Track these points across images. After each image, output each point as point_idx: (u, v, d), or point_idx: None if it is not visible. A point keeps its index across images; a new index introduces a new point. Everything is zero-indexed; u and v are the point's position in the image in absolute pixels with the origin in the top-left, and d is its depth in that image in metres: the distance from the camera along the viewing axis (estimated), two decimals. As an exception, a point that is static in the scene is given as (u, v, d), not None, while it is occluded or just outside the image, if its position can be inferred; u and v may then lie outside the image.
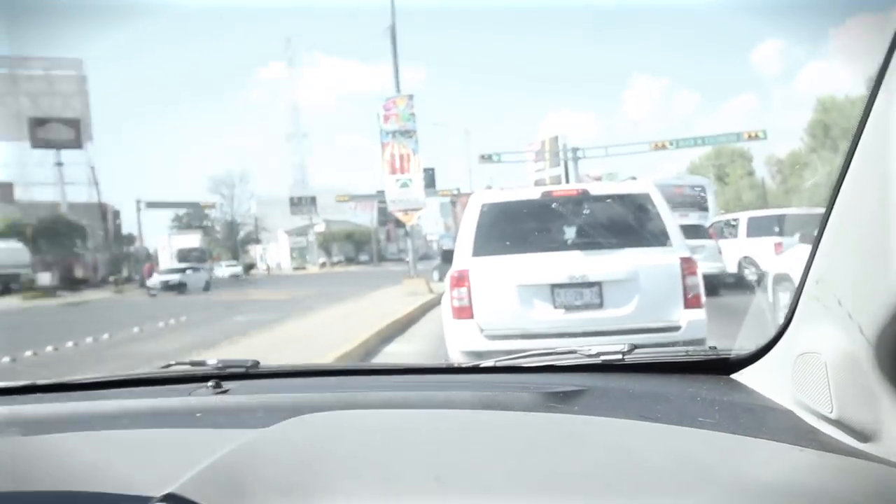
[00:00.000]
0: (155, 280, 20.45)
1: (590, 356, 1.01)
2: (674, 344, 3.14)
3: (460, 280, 3.53)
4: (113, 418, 0.84)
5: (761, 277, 7.83)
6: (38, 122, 23.88)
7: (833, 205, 0.65)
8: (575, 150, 20.31)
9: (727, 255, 9.11)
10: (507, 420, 0.77)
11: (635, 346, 1.00)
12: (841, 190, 0.63)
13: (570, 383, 0.90)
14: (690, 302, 3.39)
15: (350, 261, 40.86)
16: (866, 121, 0.58)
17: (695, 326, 3.38)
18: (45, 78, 24.71)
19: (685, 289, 3.37)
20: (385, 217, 34.31)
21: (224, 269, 29.83)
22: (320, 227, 38.76)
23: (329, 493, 0.56)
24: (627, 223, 3.63)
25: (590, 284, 3.43)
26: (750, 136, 23.92)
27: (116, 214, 30.14)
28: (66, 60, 25.18)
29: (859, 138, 0.59)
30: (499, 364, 1.03)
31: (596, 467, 0.62)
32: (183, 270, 21.35)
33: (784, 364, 0.82)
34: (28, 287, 20.22)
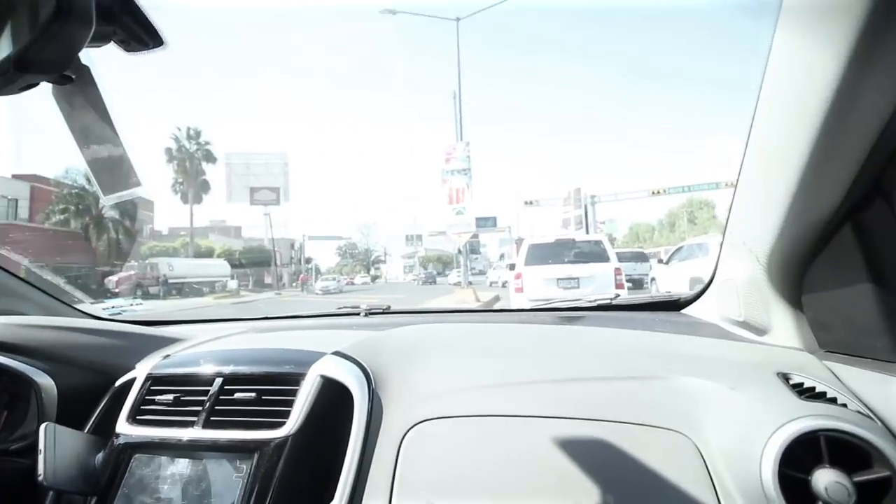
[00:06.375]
0: (319, 286, 29.43)
1: (589, 301, 1.50)
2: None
3: (518, 276, 7.20)
4: (311, 328, 1.51)
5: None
6: (254, 190, 38.53)
7: (738, 178, 0.91)
8: (593, 196, 26.13)
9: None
10: (540, 328, 1.26)
11: (618, 296, 1.51)
12: (742, 168, 0.89)
13: (577, 314, 1.43)
14: (618, 286, 6.70)
15: (438, 275, 50.49)
16: (757, 105, 0.76)
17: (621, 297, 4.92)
18: (264, 164, 39.75)
19: (615, 280, 6.75)
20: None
21: (360, 279, 45.19)
22: (421, 253, 56.39)
23: (430, 355, 1.05)
24: (591, 252, 7.28)
25: (573, 278, 6.95)
26: (727, 185, 24.83)
27: (294, 244, 44.09)
28: (276, 154, 40.61)
29: (751, 125, 0.79)
30: (536, 307, 1.62)
31: (591, 350, 1.06)
32: (333, 279, 33.29)
33: (713, 295, 1.19)
34: (221, 290, 28.90)
